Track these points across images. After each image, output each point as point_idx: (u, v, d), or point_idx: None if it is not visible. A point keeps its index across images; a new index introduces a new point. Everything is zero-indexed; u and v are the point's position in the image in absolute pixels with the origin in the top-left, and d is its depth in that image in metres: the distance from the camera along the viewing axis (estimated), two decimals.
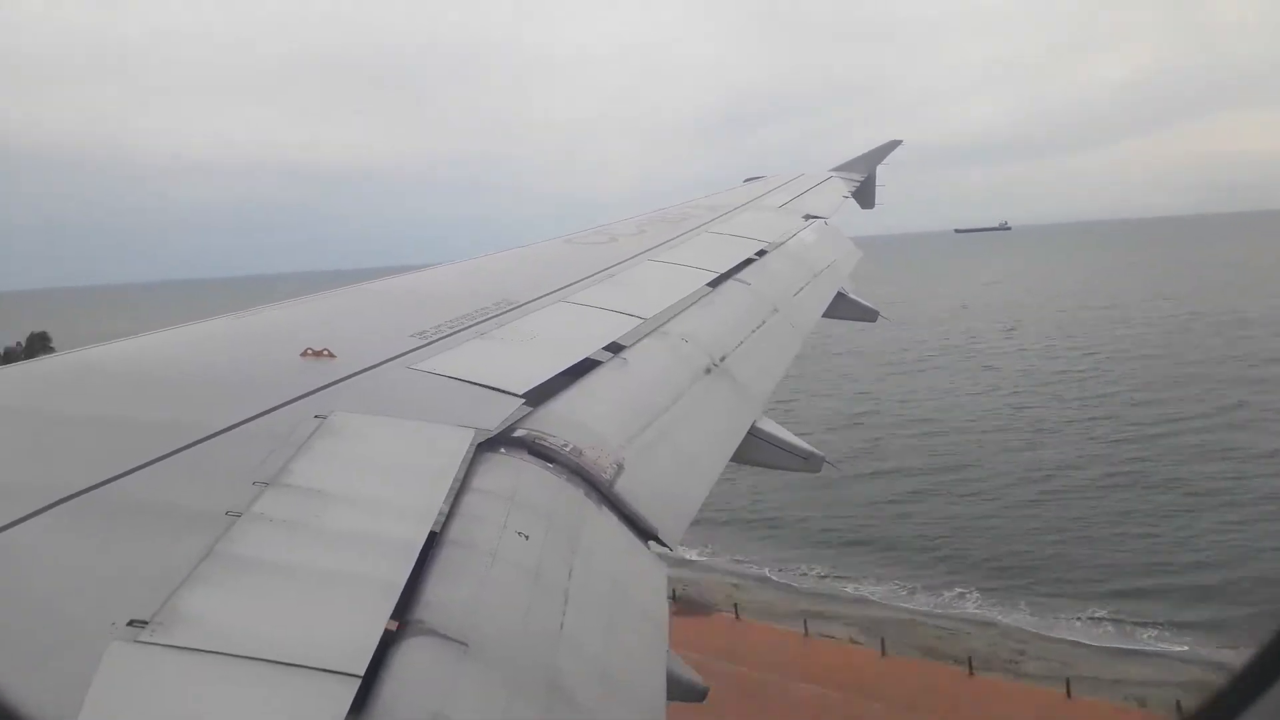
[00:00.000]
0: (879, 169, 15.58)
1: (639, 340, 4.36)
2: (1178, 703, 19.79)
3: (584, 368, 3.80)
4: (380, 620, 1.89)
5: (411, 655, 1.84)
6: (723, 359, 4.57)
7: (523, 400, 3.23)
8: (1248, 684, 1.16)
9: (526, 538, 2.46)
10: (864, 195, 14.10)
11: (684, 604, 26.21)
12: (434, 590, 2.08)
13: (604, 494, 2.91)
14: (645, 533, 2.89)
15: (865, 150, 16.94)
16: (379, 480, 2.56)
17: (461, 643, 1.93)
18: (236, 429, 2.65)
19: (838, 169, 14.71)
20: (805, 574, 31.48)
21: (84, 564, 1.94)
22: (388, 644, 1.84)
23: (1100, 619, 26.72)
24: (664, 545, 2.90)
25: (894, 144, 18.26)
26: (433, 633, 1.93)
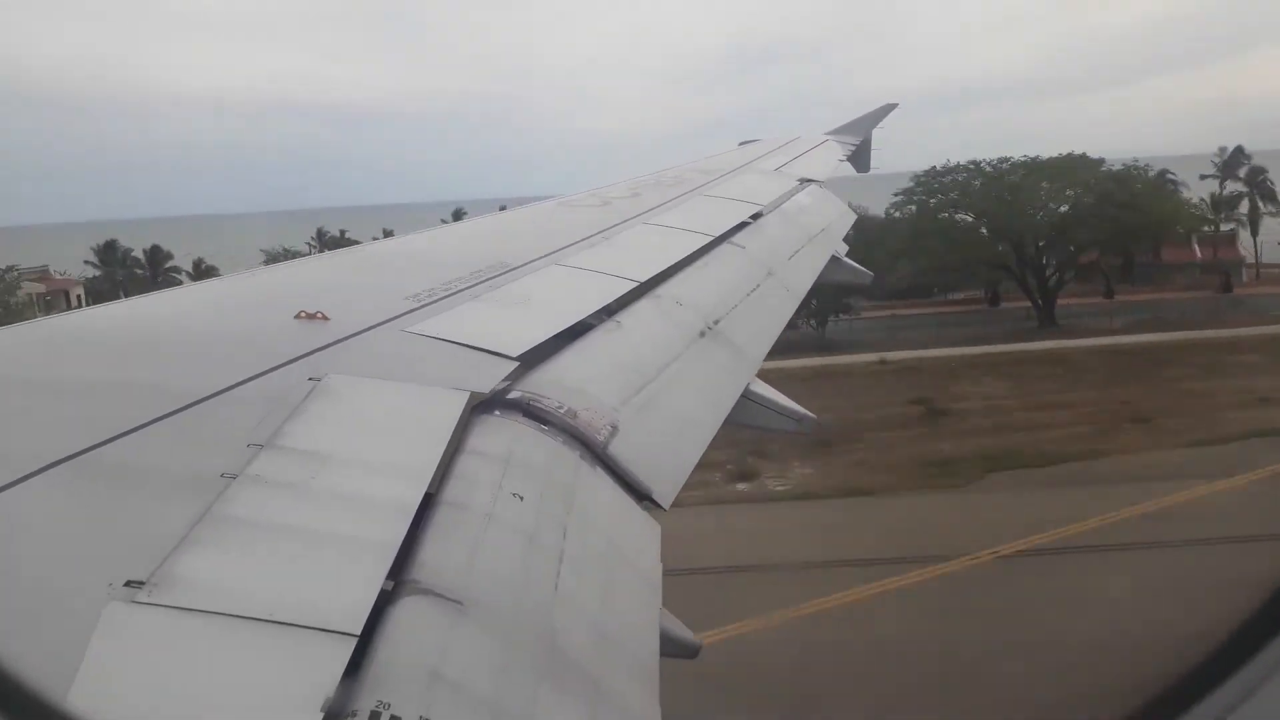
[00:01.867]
0: (874, 132, 15.47)
1: (633, 303, 4.35)
2: None
3: (578, 330, 3.80)
4: (376, 580, 1.90)
5: (407, 614, 1.85)
6: (716, 322, 4.57)
7: (517, 363, 3.22)
8: (1217, 665, 1.16)
9: (521, 499, 2.47)
10: (859, 159, 14.06)
11: None
12: (430, 550, 2.09)
13: (598, 455, 2.92)
14: (639, 493, 2.91)
15: (860, 114, 16.84)
16: (374, 442, 2.56)
17: (457, 602, 1.94)
18: (230, 391, 2.64)
19: (833, 132, 14.63)
20: None
21: (79, 527, 1.94)
22: (384, 604, 1.85)
23: None
24: (658, 505, 2.92)
25: (889, 107, 18.15)
26: (429, 592, 1.94)
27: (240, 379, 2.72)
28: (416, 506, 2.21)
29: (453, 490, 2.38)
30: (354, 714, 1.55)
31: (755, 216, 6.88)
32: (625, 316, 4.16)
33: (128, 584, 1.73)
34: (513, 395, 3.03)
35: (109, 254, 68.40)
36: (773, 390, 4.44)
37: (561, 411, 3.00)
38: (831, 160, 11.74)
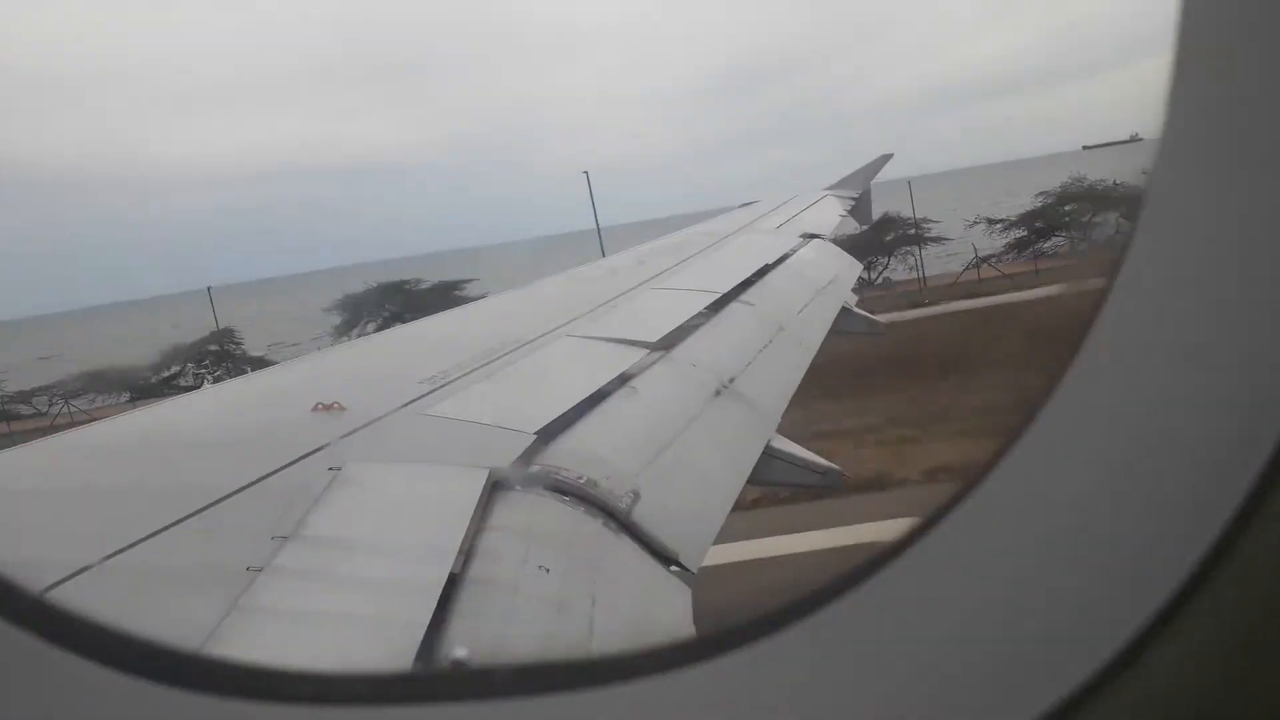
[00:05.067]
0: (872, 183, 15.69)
1: (647, 368, 4.37)
2: None
3: (595, 399, 3.81)
4: (405, 660, 1.88)
5: None
6: (731, 380, 4.56)
7: (535, 437, 3.23)
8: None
9: (547, 571, 2.45)
10: (860, 212, 14.21)
11: None
12: (458, 626, 2.08)
13: (622, 523, 2.90)
14: (666, 558, 2.87)
15: (857, 167, 17.12)
16: (397, 525, 2.56)
17: None
18: (253, 487, 2.67)
19: (831, 188, 14.85)
20: None
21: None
22: None
23: None
24: (686, 569, 2.88)
25: (884, 159, 18.48)
26: (459, 662, 1.92)
27: (262, 474, 2.74)
28: (442, 584, 2.20)
29: (478, 567, 2.37)
30: None
31: (761, 274, 6.95)
32: (640, 382, 4.17)
33: None
34: (533, 469, 3.02)
35: None
36: (795, 445, 4.41)
37: (581, 481, 2.99)
38: (832, 215, 11.88)
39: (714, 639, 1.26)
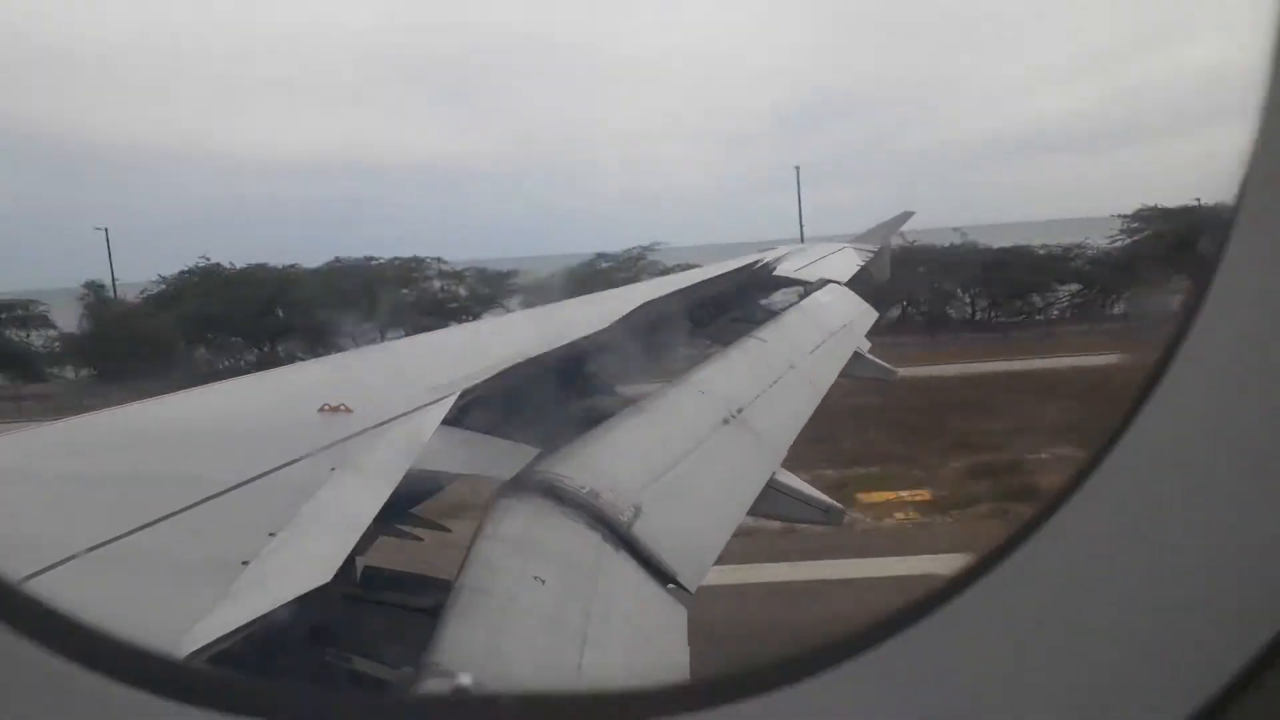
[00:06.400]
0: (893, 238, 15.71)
1: (656, 389, 4.37)
2: None
3: (596, 413, 3.81)
4: (350, 540, 1.85)
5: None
6: (740, 411, 4.55)
7: (539, 448, 3.22)
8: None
9: (543, 582, 2.43)
10: (877, 266, 14.22)
11: None
12: (452, 634, 2.06)
13: (621, 536, 2.88)
14: (664, 575, 2.84)
15: (879, 222, 17.24)
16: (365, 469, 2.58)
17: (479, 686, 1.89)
18: (254, 482, 2.66)
19: (853, 241, 14.92)
20: None
21: (101, 613, 1.92)
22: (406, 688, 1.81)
23: None
24: (683, 588, 2.85)
25: (905, 216, 18.60)
26: (449, 675, 1.90)
27: (263, 470, 2.74)
28: (396, 483, 2.18)
29: (475, 575, 2.35)
30: None
31: (776, 313, 6.96)
32: (649, 402, 4.17)
33: None
34: (536, 476, 3.01)
35: None
36: (799, 480, 4.38)
37: (584, 491, 2.97)
38: (850, 265, 11.91)
39: (729, 682, 1.19)
